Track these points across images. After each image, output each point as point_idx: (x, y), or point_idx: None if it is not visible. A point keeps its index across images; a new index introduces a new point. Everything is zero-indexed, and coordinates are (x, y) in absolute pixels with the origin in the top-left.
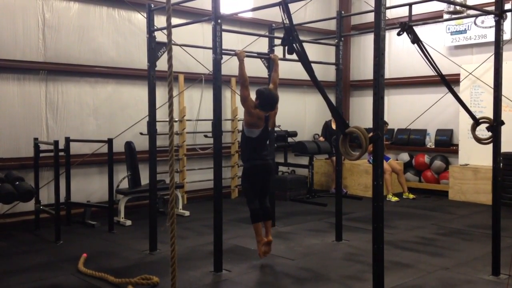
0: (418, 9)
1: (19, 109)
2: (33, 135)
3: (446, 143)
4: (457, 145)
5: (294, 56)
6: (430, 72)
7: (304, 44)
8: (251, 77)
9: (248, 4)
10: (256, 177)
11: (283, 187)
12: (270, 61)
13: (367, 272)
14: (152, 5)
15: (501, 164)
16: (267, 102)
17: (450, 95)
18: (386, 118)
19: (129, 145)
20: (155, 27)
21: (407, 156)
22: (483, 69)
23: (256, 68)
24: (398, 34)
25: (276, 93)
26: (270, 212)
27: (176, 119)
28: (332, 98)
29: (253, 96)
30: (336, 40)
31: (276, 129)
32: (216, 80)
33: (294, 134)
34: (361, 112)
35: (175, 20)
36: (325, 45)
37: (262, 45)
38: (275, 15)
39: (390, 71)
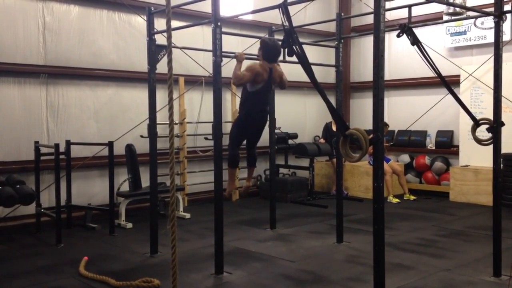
0: (417, 11)
1: (20, 112)
2: (34, 138)
3: (447, 144)
4: (457, 146)
5: (294, 58)
6: (430, 73)
7: (304, 46)
8: None
9: (248, 6)
10: (247, 128)
11: (283, 189)
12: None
13: (368, 274)
14: (152, 8)
15: (502, 165)
16: (272, 51)
17: (450, 96)
18: (386, 120)
19: (129, 147)
20: (155, 30)
21: (408, 158)
22: (483, 70)
23: None
24: (398, 35)
25: (279, 43)
26: (255, 159)
27: (177, 122)
28: (332, 100)
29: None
30: (336, 42)
31: (276, 131)
32: (216, 83)
33: (294, 136)
34: (361, 113)
35: (175, 23)
36: (325, 47)
37: None
38: (275, 17)
39: (390, 73)
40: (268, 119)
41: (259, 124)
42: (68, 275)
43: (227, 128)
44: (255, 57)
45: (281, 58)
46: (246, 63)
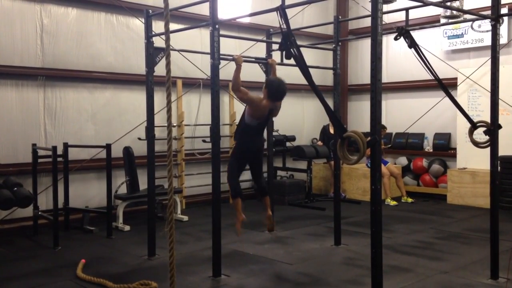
0: (415, 14)
1: (17, 114)
2: (31, 141)
3: (444, 147)
4: (455, 149)
5: (292, 61)
6: (427, 76)
7: (302, 49)
8: (248, 81)
9: (245, 9)
10: (244, 155)
11: (281, 192)
12: (267, 66)
13: (366, 276)
14: (150, 11)
15: (499, 167)
16: (277, 91)
17: (447, 99)
18: (384, 122)
19: (127, 150)
20: (153, 33)
21: (405, 160)
22: (480, 73)
23: (253, 73)
24: (395, 38)
25: (284, 83)
26: (266, 190)
27: (175, 124)
28: (330, 102)
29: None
30: (334, 45)
31: (274, 133)
32: (214, 85)
33: (292, 138)
34: (359, 116)
35: (173, 26)
36: (323, 50)
37: (259, 50)
38: (273, 20)
39: (388, 75)
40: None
41: (255, 149)
42: (65, 278)
43: (225, 130)
44: (253, 59)
45: (279, 60)
46: (245, 66)
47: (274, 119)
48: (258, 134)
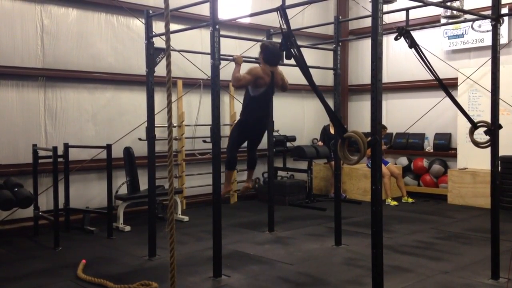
0: (415, 14)
1: (18, 115)
2: (32, 141)
3: (445, 147)
4: (455, 149)
5: (292, 61)
6: (428, 76)
7: (302, 49)
8: None
9: (246, 9)
10: (248, 131)
11: (282, 192)
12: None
13: (366, 277)
14: (151, 11)
15: (500, 167)
16: (272, 54)
17: (448, 99)
18: (384, 122)
19: (128, 150)
20: (154, 33)
21: (406, 160)
22: (480, 73)
23: None
24: (396, 38)
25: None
26: (256, 162)
27: (175, 125)
28: (330, 102)
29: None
30: (334, 45)
31: (274, 133)
32: (214, 85)
33: (292, 138)
34: (359, 116)
35: (173, 26)
36: (323, 50)
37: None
38: (273, 20)
39: (388, 76)
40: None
41: (260, 127)
42: (66, 278)
43: (225, 131)
44: (254, 60)
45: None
46: (245, 66)
47: (274, 119)
48: (266, 105)
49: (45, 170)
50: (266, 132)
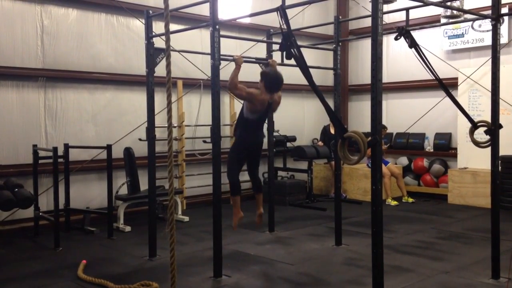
0: (415, 14)
1: (18, 116)
2: (32, 142)
3: (445, 147)
4: (456, 149)
5: (292, 61)
6: (428, 76)
7: (302, 49)
8: (249, 82)
9: (246, 9)
10: (244, 151)
11: (282, 192)
12: (268, 67)
13: (367, 277)
14: (151, 12)
15: (500, 167)
16: (273, 81)
17: (448, 99)
18: (384, 122)
19: (128, 151)
20: (154, 33)
21: (406, 160)
22: (480, 72)
23: (254, 73)
24: (396, 38)
25: (280, 73)
26: (261, 185)
27: (175, 125)
28: (331, 102)
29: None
30: (334, 45)
31: (274, 133)
32: (214, 86)
33: (293, 139)
34: (359, 116)
35: (173, 26)
36: (323, 50)
37: (260, 50)
38: (273, 20)
39: (388, 76)
40: (266, 121)
41: (255, 143)
42: (66, 279)
43: (225, 131)
44: (253, 60)
45: (279, 61)
46: (245, 66)
47: (274, 119)
48: (259, 128)
49: (45, 171)
50: (267, 132)
